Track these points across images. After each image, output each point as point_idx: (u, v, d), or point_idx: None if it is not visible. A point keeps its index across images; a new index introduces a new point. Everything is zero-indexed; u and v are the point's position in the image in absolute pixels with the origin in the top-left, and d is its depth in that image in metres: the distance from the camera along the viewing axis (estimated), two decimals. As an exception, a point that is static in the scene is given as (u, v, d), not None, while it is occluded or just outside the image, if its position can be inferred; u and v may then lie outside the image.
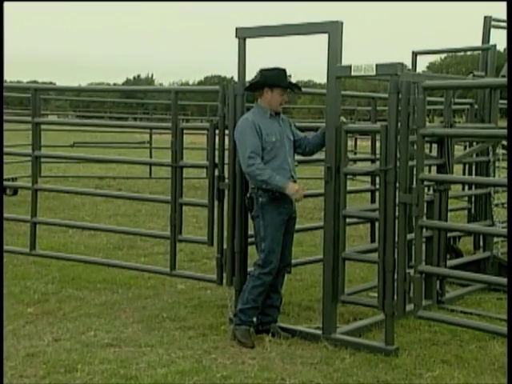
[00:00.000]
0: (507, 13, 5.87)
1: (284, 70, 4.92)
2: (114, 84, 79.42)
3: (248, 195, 4.94)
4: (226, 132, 5.27)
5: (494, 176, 6.73)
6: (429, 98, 6.05)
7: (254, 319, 4.94)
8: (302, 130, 5.26)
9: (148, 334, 4.98)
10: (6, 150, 7.11)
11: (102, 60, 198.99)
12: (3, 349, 4.49)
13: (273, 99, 4.90)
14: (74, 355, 4.49)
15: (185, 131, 5.69)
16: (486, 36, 7.14)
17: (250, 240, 5.28)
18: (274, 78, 4.88)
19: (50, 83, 59.33)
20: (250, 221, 5.34)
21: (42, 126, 11.54)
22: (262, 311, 4.97)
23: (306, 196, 5.93)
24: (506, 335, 4.07)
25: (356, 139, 16.62)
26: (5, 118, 6.68)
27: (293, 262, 5.75)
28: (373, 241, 6.15)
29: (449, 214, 5.94)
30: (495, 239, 6.80)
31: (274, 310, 5.04)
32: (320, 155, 5.31)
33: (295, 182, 4.92)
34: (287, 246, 5.00)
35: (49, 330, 5.05)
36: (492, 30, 7.16)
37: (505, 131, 4.45)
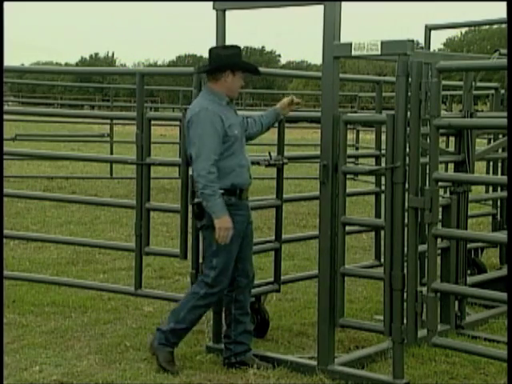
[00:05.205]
0: (507, 13, 6.06)
1: (240, 48, 5.00)
2: (66, 64, 79.30)
3: (197, 201, 4.89)
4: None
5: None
6: (445, 82, 6.10)
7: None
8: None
9: (107, 368, 4.97)
10: None
11: (51, 34, 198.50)
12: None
13: (234, 84, 4.94)
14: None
15: (153, 122, 5.73)
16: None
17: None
18: (236, 60, 4.93)
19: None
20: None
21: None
22: (233, 340, 5.00)
23: (298, 200, 6.01)
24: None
25: (358, 131, 16.72)
26: None
27: (283, 278, 5.82)
28: (378, 253, 6.21)
29: (469, 220, 6.01)
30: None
31: (248, 337, 5.06)
32: (315, 151, 5.35)
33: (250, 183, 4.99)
34: (247, 258, 5.04)
35: (-19, 366, 5.00)
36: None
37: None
